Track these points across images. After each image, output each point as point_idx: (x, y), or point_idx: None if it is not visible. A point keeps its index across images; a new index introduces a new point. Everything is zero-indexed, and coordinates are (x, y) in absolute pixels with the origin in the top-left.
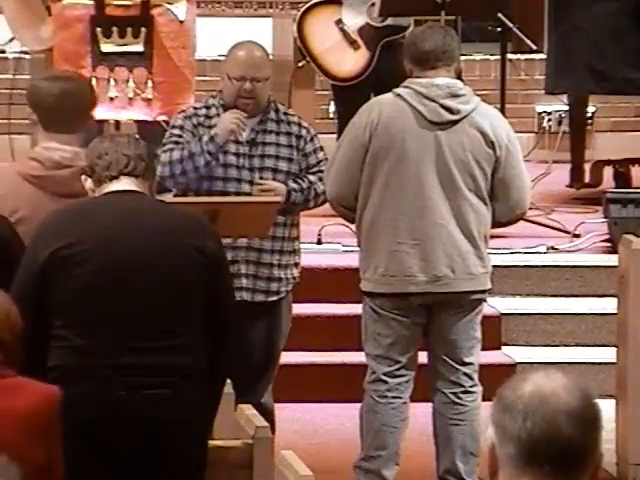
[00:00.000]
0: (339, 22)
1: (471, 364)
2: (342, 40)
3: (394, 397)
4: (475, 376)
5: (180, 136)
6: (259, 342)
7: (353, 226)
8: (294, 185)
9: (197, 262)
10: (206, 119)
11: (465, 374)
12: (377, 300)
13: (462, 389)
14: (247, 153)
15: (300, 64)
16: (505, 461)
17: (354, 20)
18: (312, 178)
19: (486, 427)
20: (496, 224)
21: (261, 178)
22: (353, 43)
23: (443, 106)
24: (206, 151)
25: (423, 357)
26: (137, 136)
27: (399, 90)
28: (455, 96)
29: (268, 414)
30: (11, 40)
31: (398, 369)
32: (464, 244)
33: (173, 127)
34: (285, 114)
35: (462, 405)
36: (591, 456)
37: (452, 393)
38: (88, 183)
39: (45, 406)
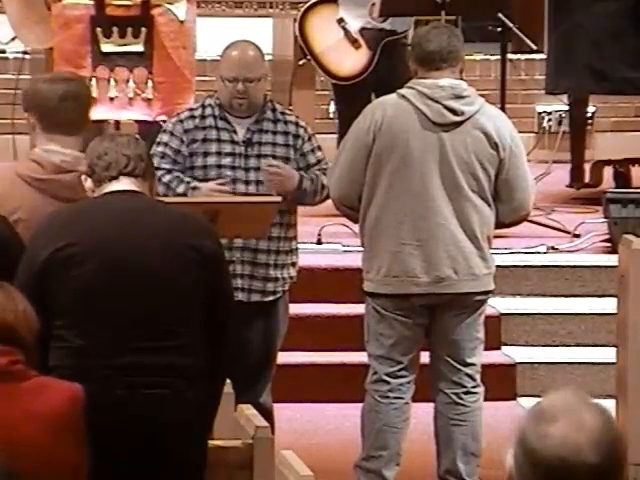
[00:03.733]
0: (341, 21)
1: (473, 365)
2: (343, 39)
3: (396, 397)
4: (477, 377)
5: (167, 145)
6: (257, 342)
7: (354, 226)
8: (304, 174)
9: (196, 262)
10: (201, 120)
11: (467, 375)
12: (379, 300)
13: (464, 390)
14: (243, 153)
15: (301, 62)
16: None
17: (356, 19)
18: (317, 172)
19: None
20: (499, 225)
21: (257, 181)
22: (354, 42)
23: (447, 107)
24: (190, 188)
25: (425, 357)
26: (137, 136)
27: (403, 91)
28: (459, 97)
29: (267, 414)
30: (12, 39)
31: (400, 370)
32: (467, 245)
33: (164, 131)
34: (282, 113)
35: (464, 405)
36: None
37: (454, 393)
38: (88, 183)
39: (72, 405)
